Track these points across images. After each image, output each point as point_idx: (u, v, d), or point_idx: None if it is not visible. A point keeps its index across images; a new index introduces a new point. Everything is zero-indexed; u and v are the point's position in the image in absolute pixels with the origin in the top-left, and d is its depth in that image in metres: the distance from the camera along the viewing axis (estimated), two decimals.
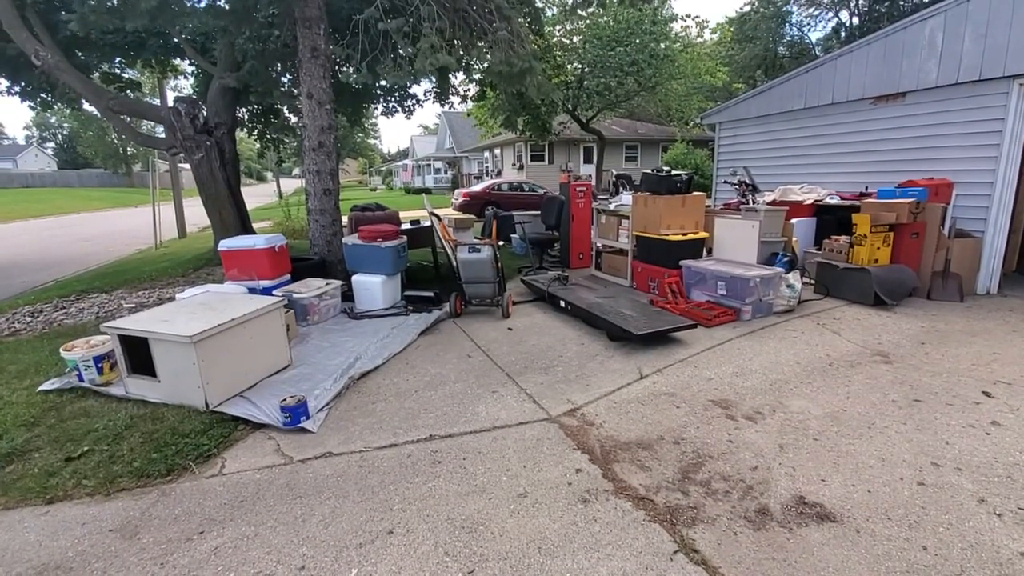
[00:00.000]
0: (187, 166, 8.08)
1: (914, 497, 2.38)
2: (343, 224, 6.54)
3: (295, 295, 4.89)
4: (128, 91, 9.42)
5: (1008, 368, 3.76)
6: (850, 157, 7.16)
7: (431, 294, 5.50)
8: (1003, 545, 2.07)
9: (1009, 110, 5.39)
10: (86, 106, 9.55)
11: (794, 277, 5.27)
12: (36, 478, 2.67)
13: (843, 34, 25.52)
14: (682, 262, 5.65)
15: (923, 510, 2.29)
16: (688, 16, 30.98)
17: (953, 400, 3.30)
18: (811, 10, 26.90)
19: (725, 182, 8.71)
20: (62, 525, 2.35)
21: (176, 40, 7.81)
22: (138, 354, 3.37)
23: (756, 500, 2.39)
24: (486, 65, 6.73)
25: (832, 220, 6.59)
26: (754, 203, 7.17)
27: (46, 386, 3.67)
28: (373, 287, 5.40)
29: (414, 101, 10.55)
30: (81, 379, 3.64)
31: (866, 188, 6.68)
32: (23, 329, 5.36)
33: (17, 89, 8.31)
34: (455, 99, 10.61)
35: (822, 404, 3.31)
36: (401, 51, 5.48)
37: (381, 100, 10.52)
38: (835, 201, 6.75)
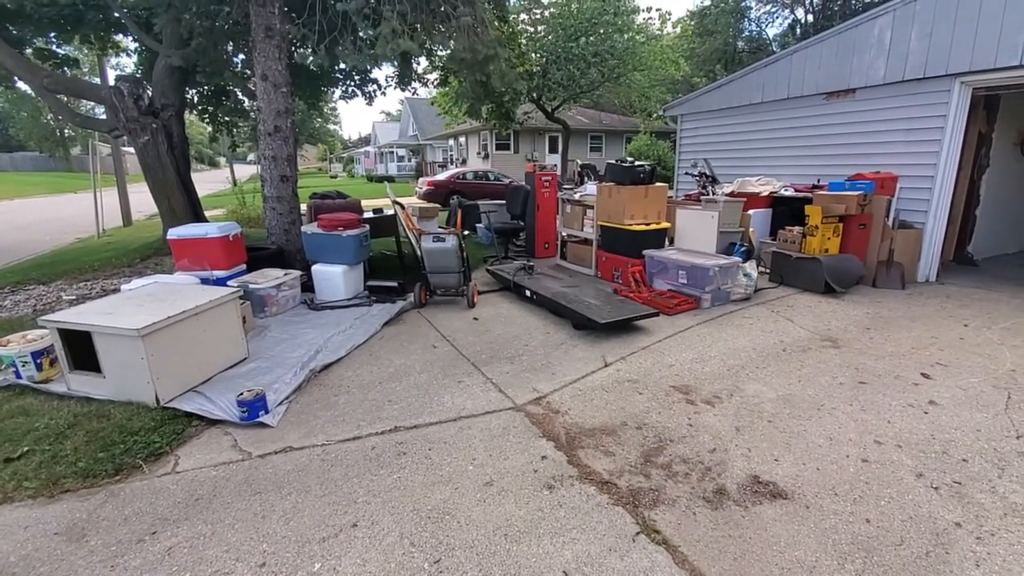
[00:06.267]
0: (131, 150, 7.61)
1: (859, 474, 2.52)
2: (302, 212, 6.33)
3: (251, 286, 4.72)
4: (65, 69, 8.78)
5: (944, 351, 4.02)
6: (805, 151, 7.42)
7: (395, 284, 5.41)
8: (939, 516, 2.22)
9: (951, 107, 5.70)
10: (19, 84, 8.85)
11: (751, 266, 5.45)
12: None
13: (799, 31, 26.32)
14: (645, 252, 5.76)
15: (867, 485, 2.43)
16: (651, 8, 31.33)
17: (894, 382, 3.50)
18: (768, 7, 27.55)
19: (686, 173, 8.88)
20: (3, 529, 2.21)
21: (117, 14, 7.32)
22: (80, 349, 3.18)
23: (714, 481, 2.48)
24: (449, 51, 6.60)
25: (787, 211, 6.83)
26: (714, 194, 7.35)
27: None
28: (334, 277, 5.27)
29: (375, 87, 10.24)
30: (19, 376, 3.41)
31: (819, 181, 6.95)
32: None
33: None
34: (417, 85, 10.37)
35: (776, 387, 3.45)
36: (361, 33, 5.30)
37: (340, 84, 10.17)
38: (789, 193, 7.00)
